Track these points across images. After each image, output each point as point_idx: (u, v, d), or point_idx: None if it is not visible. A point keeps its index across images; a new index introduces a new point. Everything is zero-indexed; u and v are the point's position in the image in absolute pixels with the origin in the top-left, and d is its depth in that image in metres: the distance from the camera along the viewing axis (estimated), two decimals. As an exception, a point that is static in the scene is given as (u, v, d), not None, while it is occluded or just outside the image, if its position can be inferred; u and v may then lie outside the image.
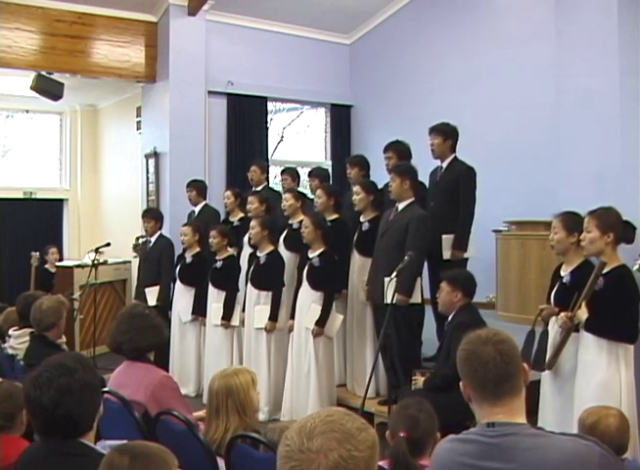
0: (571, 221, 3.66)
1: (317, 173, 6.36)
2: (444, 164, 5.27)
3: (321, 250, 5.01)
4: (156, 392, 3.02)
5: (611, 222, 3.41)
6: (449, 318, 4.21)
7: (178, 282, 6.25)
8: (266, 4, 8.33)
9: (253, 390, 2.79)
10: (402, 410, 2.51)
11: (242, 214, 6.34)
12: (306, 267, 5.04)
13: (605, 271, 3.34)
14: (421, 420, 2.45)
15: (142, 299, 6.26)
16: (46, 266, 7.88)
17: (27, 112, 9.97)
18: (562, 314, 3.45)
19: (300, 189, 6.42)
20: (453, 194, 5.11)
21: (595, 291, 3.34)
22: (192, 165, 7.81)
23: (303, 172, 8.07)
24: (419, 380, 4.12)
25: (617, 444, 2.58)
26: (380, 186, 5.33)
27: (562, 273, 3.71)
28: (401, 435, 2.37)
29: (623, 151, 5.09)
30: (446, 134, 5.24)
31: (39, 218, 9.94)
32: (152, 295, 6.26)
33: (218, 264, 5.87)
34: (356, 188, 5.18)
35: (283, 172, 6.78)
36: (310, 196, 6.16)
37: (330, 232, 5.08)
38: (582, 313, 3.36)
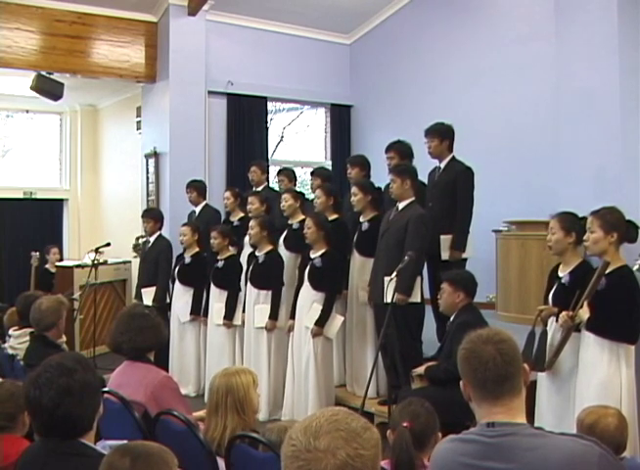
0: (569, 221, 3.66)
1: (319, 173, 6.31)
2: (442, 165, 5.26)
3: (323, 250, 5.01)
4: (156, 392, 3.02)
5: (614, 222, 3.41)
6: (451, 318, 4.21)
7: (177, 282, 6.25)
8: (266, 4, 8.32)
9: (254, 390, 2.80)
10: (405, 407, 2.53)
11: (242, 214, 6.34)
12: (308, 268, 5.04)
13: (607, 271, 3.35)
14: (422, 414, 2.46)
15: (141, 299, 6.27)
16: (46, 266, 7.89)
17: (27, 112, 9.98)
18: (563, 313, 3.45)
19: (300, 189, 6.41)
20: (451, 194, 5.09)
21: (597, 291, 3.35)
22: (192, 165, 7.80)
23: (303, 172, 8.08)
24: (418, 372, 4.13)
25: (617, 442, 2.58)
26: (380, 186, 5.33)
27: (560, 274, 3.72)
28: (404, 425, 2.37)
29: (623, 151, 5.08)
30: (442, 135, 5.22)
31: (39, 218, 9.95)
32: (147, 295, 6.25)
33: (220, 264, 5.86)
34: (354, 189, 5.18)
35: (279, 173, 6.73)
36: (311, 196, 6.14)
37: (332, 233, 5.09)
38: (584, 313, 3.36)
